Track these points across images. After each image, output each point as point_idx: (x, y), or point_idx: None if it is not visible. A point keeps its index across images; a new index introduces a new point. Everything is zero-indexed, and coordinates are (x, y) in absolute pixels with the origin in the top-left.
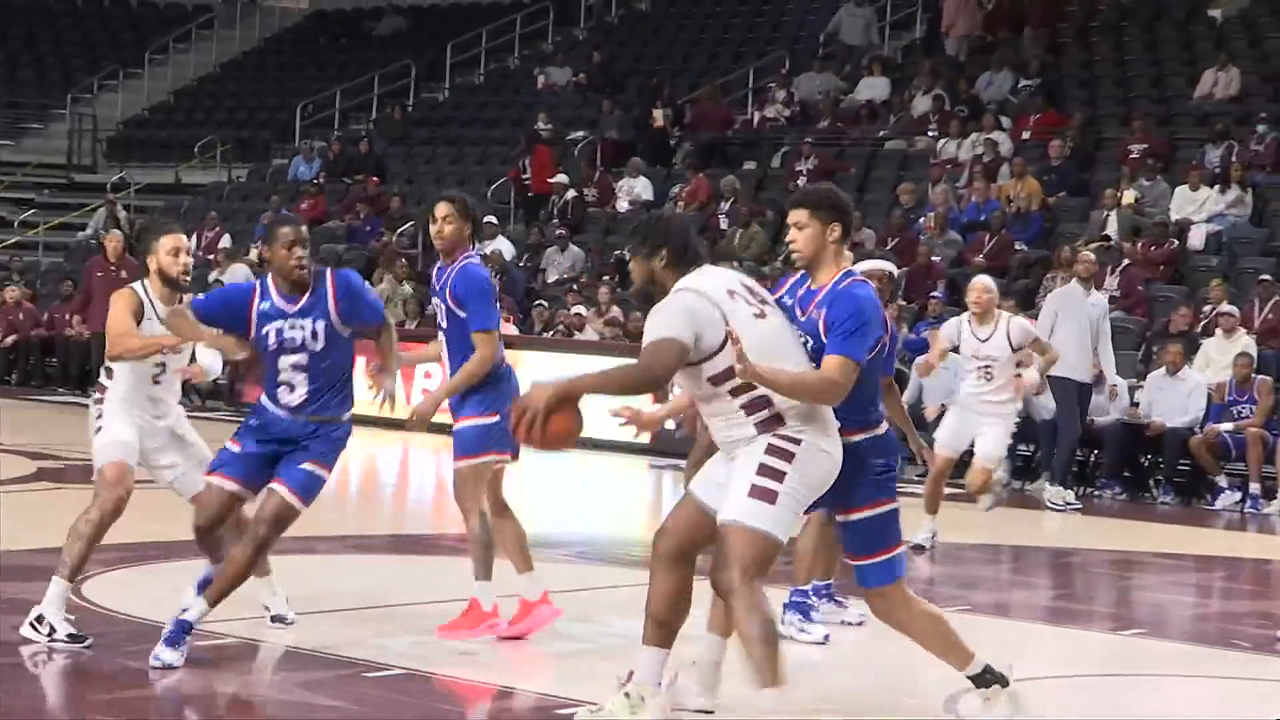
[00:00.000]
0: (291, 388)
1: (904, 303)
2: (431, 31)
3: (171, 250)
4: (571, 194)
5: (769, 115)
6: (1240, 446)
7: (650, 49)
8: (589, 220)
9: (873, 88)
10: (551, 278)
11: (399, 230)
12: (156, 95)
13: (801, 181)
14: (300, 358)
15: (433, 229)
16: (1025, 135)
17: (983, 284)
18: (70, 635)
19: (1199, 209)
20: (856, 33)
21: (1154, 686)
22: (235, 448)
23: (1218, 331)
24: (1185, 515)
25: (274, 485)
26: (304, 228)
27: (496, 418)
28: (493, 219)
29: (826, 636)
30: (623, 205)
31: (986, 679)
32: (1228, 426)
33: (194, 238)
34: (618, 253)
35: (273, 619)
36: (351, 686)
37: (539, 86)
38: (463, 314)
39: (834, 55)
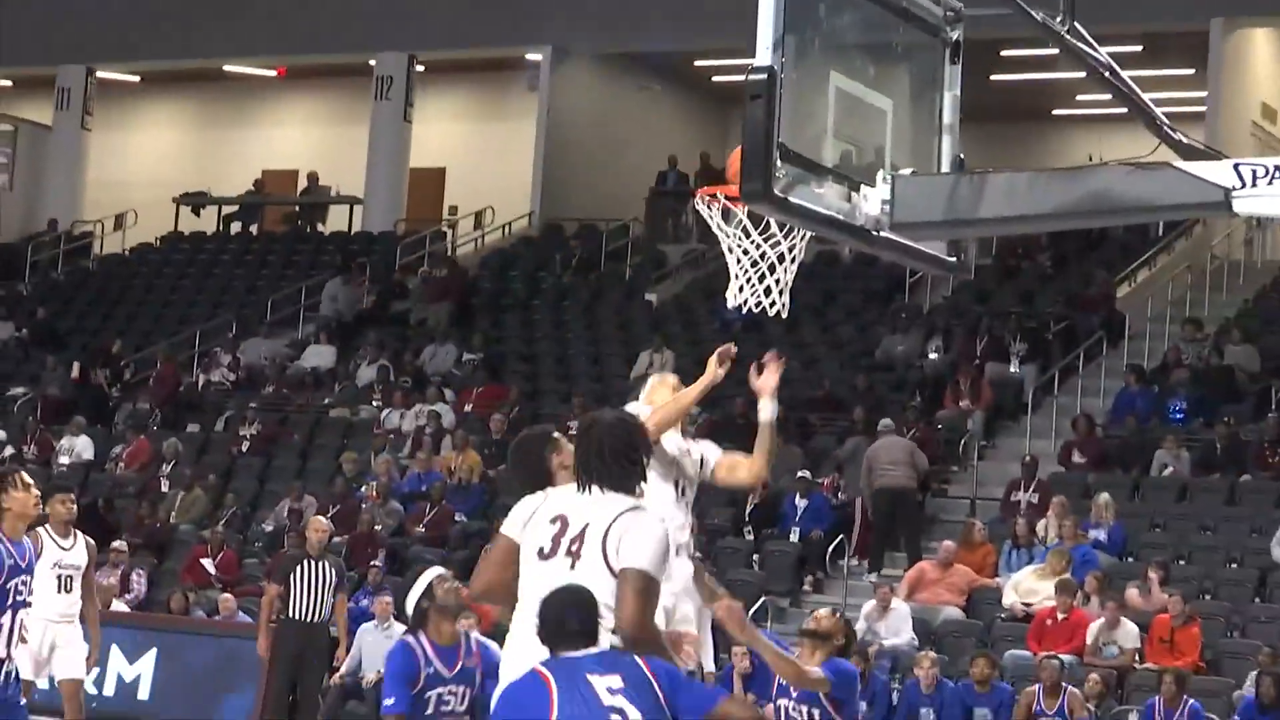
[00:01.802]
0: None
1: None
2: None
3: None
4: (9, 451)
5: (214, 379)
6: None
7: (96, 307)
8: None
9: (319, 355)
10: None
11: None
12: None
13: (245, 446)
14: None
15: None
16: (468, 408)
17: None
18: None
19: None
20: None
21: None
22: None
23: None
24: None
25: None
26: None
27: None
28: None
29: None
30: (62, 462)
31: None
32: None
33: None
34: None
35: None
36: None
37: None
38: None
39: (281, 321)
